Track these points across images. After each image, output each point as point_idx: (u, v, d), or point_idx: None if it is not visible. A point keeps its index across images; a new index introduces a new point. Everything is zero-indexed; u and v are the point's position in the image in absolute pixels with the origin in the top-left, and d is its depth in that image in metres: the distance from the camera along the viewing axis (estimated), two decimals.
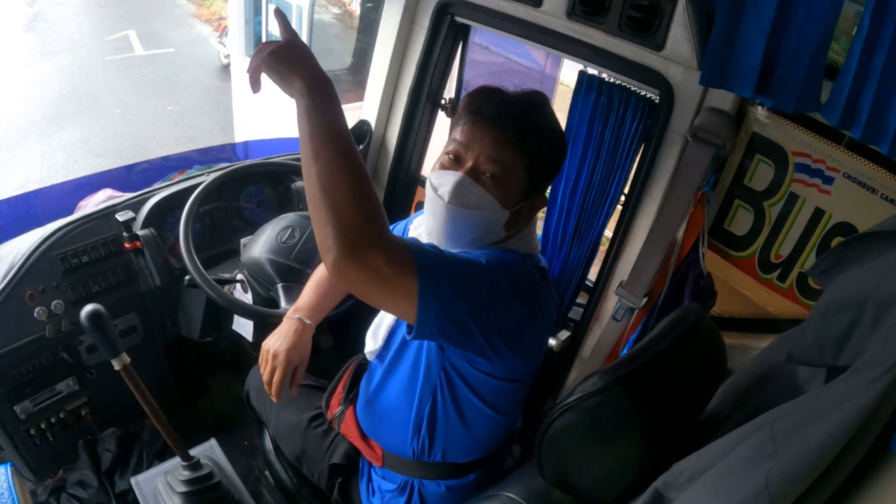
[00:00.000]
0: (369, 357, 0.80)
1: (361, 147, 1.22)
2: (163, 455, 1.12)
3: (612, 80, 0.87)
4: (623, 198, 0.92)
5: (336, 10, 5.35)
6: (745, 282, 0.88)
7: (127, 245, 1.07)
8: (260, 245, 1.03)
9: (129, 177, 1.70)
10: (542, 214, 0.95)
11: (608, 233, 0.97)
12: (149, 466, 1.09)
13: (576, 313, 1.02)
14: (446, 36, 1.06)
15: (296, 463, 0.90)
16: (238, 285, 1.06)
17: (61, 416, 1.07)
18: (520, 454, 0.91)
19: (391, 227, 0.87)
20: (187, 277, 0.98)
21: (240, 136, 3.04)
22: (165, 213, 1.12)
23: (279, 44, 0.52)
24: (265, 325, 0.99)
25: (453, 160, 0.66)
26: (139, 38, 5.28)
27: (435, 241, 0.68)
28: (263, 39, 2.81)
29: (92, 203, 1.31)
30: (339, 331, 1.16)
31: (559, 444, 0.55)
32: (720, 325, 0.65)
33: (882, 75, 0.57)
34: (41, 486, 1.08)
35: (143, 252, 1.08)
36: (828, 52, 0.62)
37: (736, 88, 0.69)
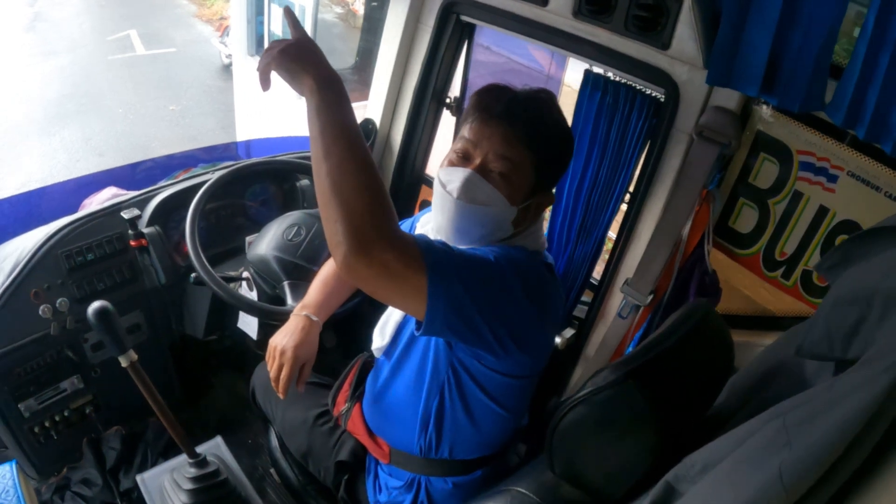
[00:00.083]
0: (376, 354, 0.80)
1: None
2: (167, 453, 1.12)
3: (617, 78, 0.87)
4: (628, 196, 0.92)
5: (339, 10, 5.37)
6: (745, 280, 0.89)
7: (132, 243, 1.07)
8: (266, 243, 1.03)
9: (133, 175, 1.70)
10: (546, 213, 0.96)
11: (612, 234, 0.98)
12: (153, 465, 1.09)
13: (580, 311, 1.03)
14: (451, 35, 1.07)
15: (302, 460, 0.90)
16: (244, 283, 1.06)
17: (66, 414, 1.07)
18: (525, 452, 0.91)
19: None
20: (193, 275, 0.98)
21: (242, 136, 3.05)
22: (170, 211, 1.12)
23: (289, 42, 0.53)
24: (270, 324, 0.99)
25: (462, 157, 0.66)
26: (140, 37, 5.29)
27: (443, 238, 0.69)
28: (265, 39, 2.82)
29: (96, 201, 1.31)
30: (344, 329, 1.16)
31: (570, 438, 0.55)
32: (725, 323, 0.66)
33: (886, 75, 0.58)
34: (45, 485, 1.08)
35: (148, 250, 1.08)
36: (832, 51, 0.63)
37: (741, 87, 0.69)
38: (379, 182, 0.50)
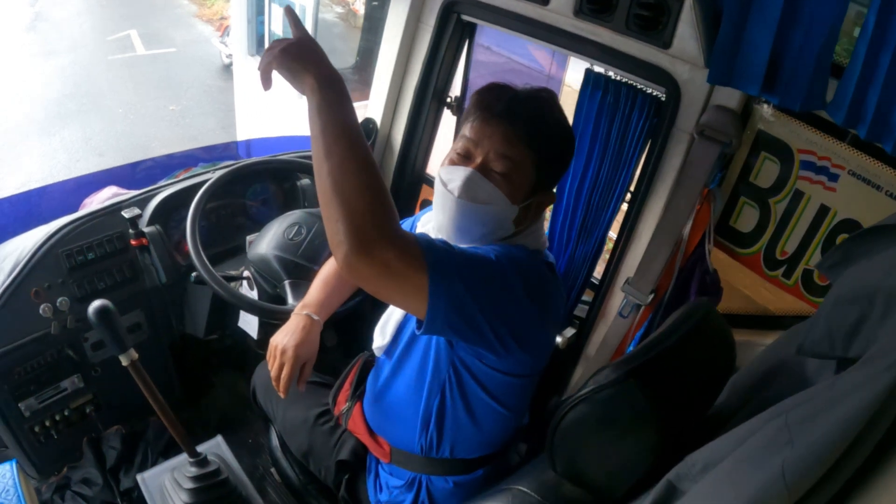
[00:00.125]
0: (377, 353, 0.80)
1: None
2: (167, 452, 1.12)
3: (618, 77, 0.87)
4: (629, 195, 0.92)
5: (339, 10, 5.37)
6: (745, 279, 0.89)
7: (133, 242, 1.07)
8: (266, 242, 1.03)
9: (134, 174, 1.70)
10: (548, 212, 0.96)
11: (612, 233, 0.98)
12: (154, 464, 1.09)
13: (581, 310, 1.03)
14: (452, 34, 1.07)
15: (302, 460, 0.90)
16: (244, 282, 1.06)
17: (66, 413, 1.07)
18: (526, 451, 0.91)
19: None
20: (194, 274, 0.98)
21: (242, 136, 3.05)
22: (171, 210, 1.12)
23: (290, 41, 0.53)
24: (270, 323, 0.99)
25: (463, 156, 0.66)
26: (141, 37, 5.29)
27: (444, 236, 0.69)
28: (266, 39, 2.82)
29: (97, 200, 1.31)
30: (345, 328, 1.16)
31: (572, 437, 0.55)
32: (726, 322, 0.66)
33: (887, 75, 0.58)
34: (46, 484, 1.08)
35: (148, 249, 1.08)
36: (833, 51, 0.63)
37: (743, 86, 0.69)
38: (380, 181, 0.50)
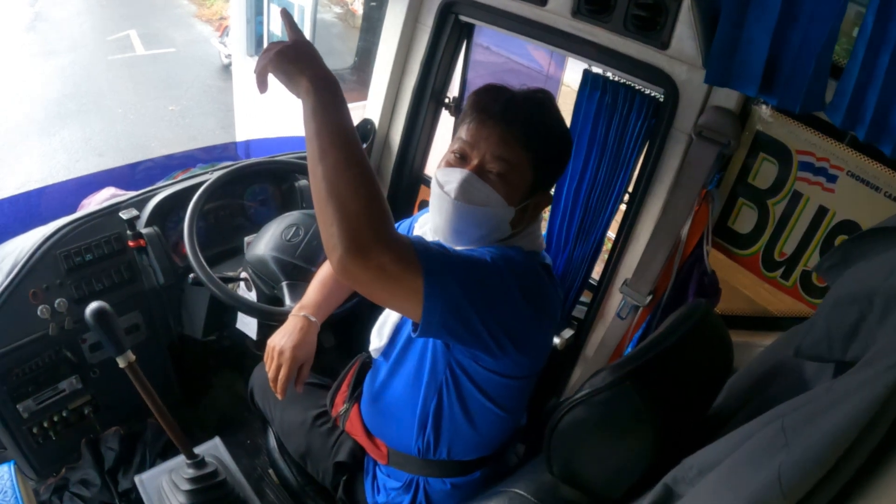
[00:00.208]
0: (374, 354, 0.80)
1: (364, 146, 1.21)
2: (166, 454, 1.12)
3: (616, 78, 0.87)
4: (627, 196, 0.92)
5: (338, 10, 5.37)
6: (745, 280, 0.88)
7: (130, 243, 1.07)
8: (264, 243, 1.03)
9: (132, 175, 1.70)
10: (545, 213, 0.95)
11: (611, 234, 0.98)
12: (152, 465, 1.09)
13: (580, 312, 1.03)
14: (450, 35, 1.07)
15: (300, 461, 0.90)
16: (242, 283, 1.06)
17: (64, 414, 1.07)
18: (524, 452, 0.91)
19: (396, 226, 0.87)
20: (192, 275, 0.98)
21: (241, 136, 3.05)
22: (169, 211, 1.12)
23: (286, 44, 0.53)
24: (269, 324, 0.99)
25: (459, 158, 0.66)
26: (140, 37, 5.29)
27: (441, 238, 0.69)
28: (265, 39, 2.82)
29: (95, 201, 1.31)
30: (342, 329, 1.16)
31: (569, 439, 0.55)
32: (725, 323, 0.66)
33: (886, 76, 0.57)
34: (44, 485, 1.08)
35: (146, 250, 1.08)
36: (833, 51, 0.63)
37: (740, 87, 0.69)
38: (375, 184, 0.50)
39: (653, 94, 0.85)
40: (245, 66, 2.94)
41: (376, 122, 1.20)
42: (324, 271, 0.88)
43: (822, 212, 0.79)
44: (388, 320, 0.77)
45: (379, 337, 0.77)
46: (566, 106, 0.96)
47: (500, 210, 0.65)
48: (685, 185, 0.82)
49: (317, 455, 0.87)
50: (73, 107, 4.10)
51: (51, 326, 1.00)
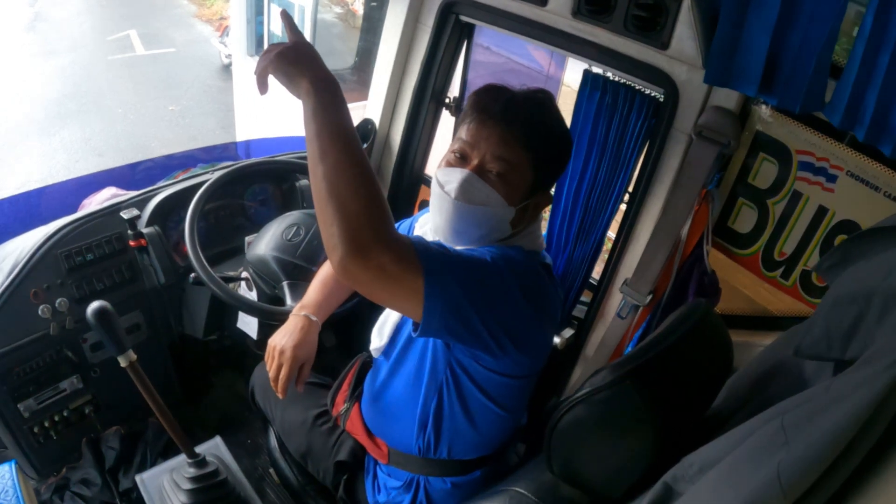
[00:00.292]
0: (374, 354, 0.80)
1: (365, 146, 1.22)
2: (166, 453, 1.12)
3: (616, 78, 0.87)
4: (627, 196, 0.92)
5: (339, 10, 5.37)
6: (745, 279, 0.89)
7: (131, 243, 1.07)
8: (265, 243, 1.03)
9: (133, 175, 1.70)
10: (546, 213, 0.95)
11: (611, 232, 0.98)
12: (152, 465, 1.09)
13: (580, 311, 1.03)
14: (451, 35, 1.07)
15: (301, 460, 0.90)
16: (243, 283, 1.06)
17: (65, 414, 1.07)
18: (524, 452, 0.91)
19: (397, 226, 0.88)
20: (192, 275, 0.98)
21: (241, 136, 3.05)
22: (170, 211, 1.12)
23: (286, 45, 0.53)
24: (269, 324, 0.99)
25: (459, 158, 0.66)
26: (140, 37, 5.29)
27: (441, 238, 0.69)
28: (265, 39, 2.82)
29: (96, 201, 1.31)
30: (343, 329, 1.16)
31: (569, 438, 0.55)
32: (725, 323, 0.66)
33: (886, 77, 0.58)
34: (45, 485, 1.08)
35: (147, 250, 1.08)
36: (832, 51, 0.63)
37: (740, 87, 0.69)
38: (375, 184, 0.50)
39: (653, 95, 0.85)
40: (245, 66, 2.94)
41: (377, 122, 1.21)
42: (324, 271, 0.89)
43: (821, 211, 0.79)
44: (388, 320, 0.77)
45: (379, 336, 0.78)
46: (566, 106, 0.97)
47: (500, 210, 0.65)
48: (685, 185, 0.82)
49: (317, 454, 0.87)
50: (73, 107, 4.10)
51: (52, 326, 1.00)
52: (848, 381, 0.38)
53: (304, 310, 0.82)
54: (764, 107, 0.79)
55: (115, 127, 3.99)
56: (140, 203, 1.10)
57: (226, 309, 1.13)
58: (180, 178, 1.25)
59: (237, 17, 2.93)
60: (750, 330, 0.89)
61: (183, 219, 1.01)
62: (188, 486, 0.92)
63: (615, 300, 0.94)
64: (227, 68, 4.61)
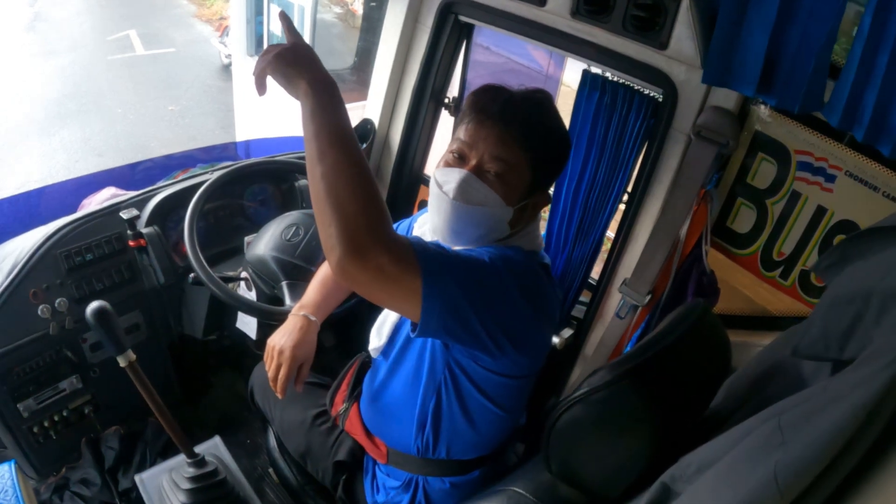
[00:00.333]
0: (373, 354, 0.80)
1: (364, 146, 1.22)
2: (166, 453, 1.12)
3: (615, 78, 0.87)
4: (626, 196, 0.92)
5: (338, 10, 5.37)
6: (744, 280, 0.89)
7: (131, 243, 1.07)
8: (264, 243, 1.03)
9: (132, 175, 1.70)
10: (545, 213, 0.96)
11: (610, 232, 0.98)
12: (152, 464, 1.09)
13: (579, 311, 1.03)
14: (450, 35, 1.07)
15: (300, 460, 0.90)
16: (242, 283, 1.06)
17: (64, 414, 1.07)
18: (523, 452, 0.92)
19: (395, 226, 0.88)
20: (192, 275, 0.99)
21: (241, 136, 3.05)
22: (169, 211, 1.12)
23: (284, 47, 0.53)
24: (269, 324, 0.99)
25: (458, 158, 0.66)
26: (140, 37, 5.29)
27: (439, 238, 0.69)
28: (265, 39, 2.82)
29: (95, 201, 1.32)
30: (342, 329, 1.16)
31: (567, 438, 0.55)
32: (723, 323, 0.66)
33: (885, 77, 0.57)
34: (44, 484, 1.08)
35: (147, 250, 1.08)
36: (831, 51, 0.63)
37: (738, 87, 0.69)
38: (373, 185, 0.50)
39: (652, 95, 0.85)
40: (245, 66, 2.94)
41: (376, 122, 1.21)
42: (323, 271, 0.89)
43: (820, 211, 0.79)
44: (387, 320, 0.77)
45: (378, 336, 0.78)
46: (566, 106, 0.97)
47: (498, 210, 0.65)
48: (684, 185, 0.82)
49: (316, 454, 0.87)
50: (73, 107, 4.10)
51: (51, 326, 1.00)
52: (845, 381, 0.38)
53: (303, 310, 0.82)
54: (763, 107, 0.79)
55: (115, 127, 3.99)
56: (139, 203, 1.11)
57: (225, 309, 1.13)
58: (180, 178, 1.25)
59: (237, 17, 2.93)
60: (749, 330, 0.89)
61: (182, 219, 1.01)
62: (187, 485, 0.92)
63: (614, 300, 0.94)
64: (226, 68, 4.61)
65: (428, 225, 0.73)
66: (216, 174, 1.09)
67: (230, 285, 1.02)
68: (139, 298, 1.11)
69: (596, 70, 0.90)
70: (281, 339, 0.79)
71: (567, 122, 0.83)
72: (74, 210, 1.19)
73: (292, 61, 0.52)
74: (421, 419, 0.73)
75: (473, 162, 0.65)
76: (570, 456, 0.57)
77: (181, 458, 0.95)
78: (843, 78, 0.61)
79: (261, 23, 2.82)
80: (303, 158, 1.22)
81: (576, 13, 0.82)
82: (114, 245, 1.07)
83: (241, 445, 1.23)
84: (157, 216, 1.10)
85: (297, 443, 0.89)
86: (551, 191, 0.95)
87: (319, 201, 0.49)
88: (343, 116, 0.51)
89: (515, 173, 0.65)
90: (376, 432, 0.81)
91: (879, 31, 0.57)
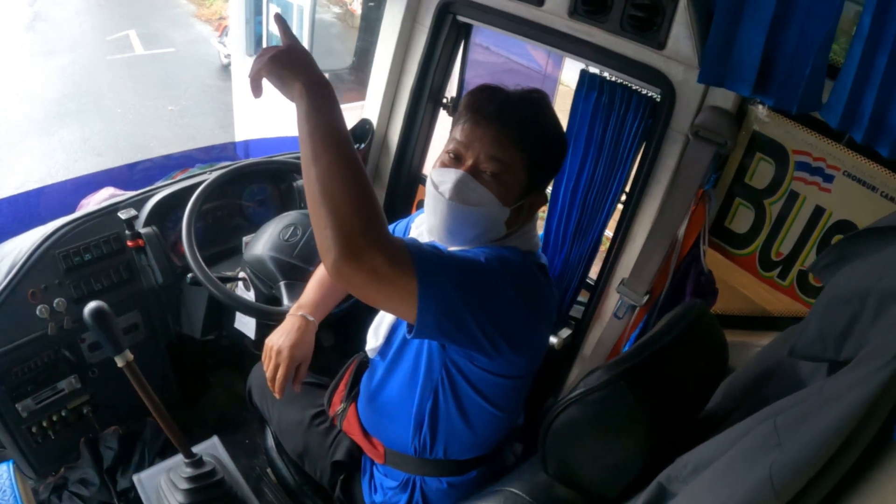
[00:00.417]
0: (370, 354, 0.80)
1: (363, 146, 1.22)
2: (164, 453, 1.12)
3: (613, 78, 0.87)
4: (624, 196, 0.92)
5: (337, 10, 5.36)
6: (745, 280, 0.88)
7: (129, 243, 1.07)
8: (262, 243, 1.03)
9: (131, 175, 1.70)
10: (543, 213, 0.95)
11: (609, 232, 0.98)
12: (150, 464, 1.09)
13: (577, 311, 1.03)
14: (448, 35, 1.07)
15: (298, 460, 0.90)
16: (240, 283, 1.06)
17: (63, 414, 1.07)
18: (521, 451, 0.92)
19: (393, 226, 0.88)
20: (190, 275, 0.99)
21: (240, 136, 3.05)
22: (167, 211, 1.12)
23: (279, 49, 0.53)
24: (267, 324, 0.99)
25: (454, 158, 0.66)
26: (140, 37, 5.29)
27: (436, 239, 0.69)
28: (264, 39, 2.82)
29: (94, 201, 1.32)
30: (340, 329, 1.16)
31: (563, 439, 0.55)
32: (721, 323, 0.66)
33: (884, 77, 0.57)
34: (43, 484, 1.08)
35: (145, 250, 1.08)
36: (829, 51, 0.63)
37: (734, 87, 0.69)
38: (368, 187, 0.50)
39: (650, 95, 0.85)
40: (244, 66, 2.94)
41: (374, 121, 1.20)
42: (321, 271, 0.89)
43: (818, 212, 0.79)
44: (384, 320, 0.77)
45: (375, 337, 0.78)
46: (564, 105, 0.97)
47: (494, 210, 0.65)
48: (682, 185, 0.82)
49: (314, 454, 0.87)
50: (73, 107, 4.10)
51: (50, 326, 1.00)
52: (842, 382, 0.38)
53: (300, 310, 0.82)
54: (761, 107, 0.78)
55: (115, 127, 3.99)
56: (138, 203, 1.11)
57: (224, 309, 1.13)
58: (178, 178, 1.25)
59: (236, 16, 2.93)
60: (747, 330, 0.89)
61: (181, 219, 1.01)
62: (185, 485, 0.92)
63: (612, 300, 0.94)
64: (226, 68, 4.61)
65: (425, 225, 0.73)
66: (214, 174, 1.09)
67: (228, 285, 1.02)
68: (137, 298, 1.11)
69: (594, 70, 0.90)
70: (279, 339, 0.79)
71: (565, 121, 0.83)
72: (73, 210, 1.19)
73: (287, 63, 0.52)
74: (418, 419, 0.73)
75: (469, 162, 0.65)
76: (567, 456, 0.57)
77: (179, 458, 0.95)
78: (841, 78, 0.60)
79: (260, 23, 2.81)
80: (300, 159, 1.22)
81: (573, 13, 0.82)
82: (112, 245, 1.07)
83: (240, 445, 1.23)
84: (155, 216, 1.10)
85: (294, 443, 0.89)
86: (549, 190, 0.96)
87: (314, 203, 0.49)
88: (338, 118, 0.51)
89: (511, 173, 0.65)
90: (374, 432, 0.81)
91: (879, 31, 0.56)
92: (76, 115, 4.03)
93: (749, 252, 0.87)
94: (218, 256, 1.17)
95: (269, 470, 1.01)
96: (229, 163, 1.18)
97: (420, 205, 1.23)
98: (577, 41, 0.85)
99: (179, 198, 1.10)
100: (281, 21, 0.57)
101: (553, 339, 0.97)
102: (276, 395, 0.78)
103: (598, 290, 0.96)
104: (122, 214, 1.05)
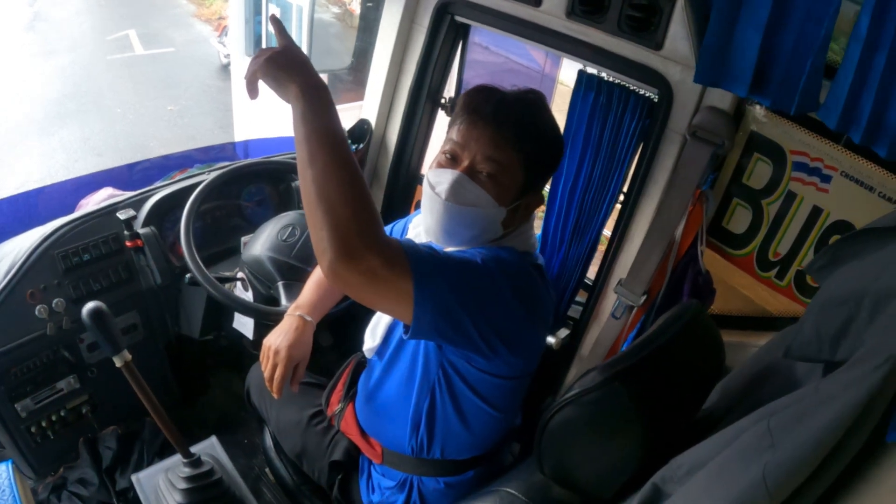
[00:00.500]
0: (368, 354, 0.80)
1: (361, 146, 1.22)
2: (163, 453, 1.13)
3: (611, 79, 0.87)
4: (622, 196, 0.92)
5: (336, 10, 5.36)
6: (742, 280, 0.88)
7: (128, 243, 1.08)
8: (260, 243, 1.03)
9: (130, 175, 1.70)
10: (541, 213, 0.95)
11: (607, 232, 0.98)
12: (149, 464, 1.10)
13: (575, 311, 1.03)
14: (446, 35, 1.07)
15: (296, 460, 0.90)
16: (239, 283, 1.06)
17: (62, 414, 1.08)
18: (519, 451, 0.92)
19: (391, 226, 0.88)
20: (188, 275, 0.99)
21: (240, 136, 3.05)
22: (166, 211, 1.12)
23: (275, 50, 0.53)
24: (266, 324, 0.99)
25: (450, 159, 0.66)
26: (139, 37, 5.30)
27: (433, 239, 0.69)
28: (263, 39, 2.82)
29: (93, 202, 1.31)
30: (338, 329, 1.16)
31: (559, 439, 0.55)
32: (719, 323, 0.66)
33: (882, 78, 0.57)
34: (42, 484, 1.08)
35: (143, 250, 1.08)
36: (827, 52, 0.62)
37: (731, 87, 0.69)
38: (364, 188, 0.50)
39: (647, 95, 0.85)
40: (243, 66, 2.93)
41: (373, 122, 1.21)
42: (319, 271, 0.89)
43: (816, 212, 0.79)
44: (381, 321, 0.77)
45: (372, 337, 0.78)
46: (563, 104, 0.97)
47: (491, 211, 0.65)
48: (679, 186, 0.82)
49: (312, 454, 0.87)
50: (73, 107, 4.11)
51: (48, 326, 1.00)
52: (835, 383, 0.38)
53: (298, 310, 0.82)
54: (758, 107, 0.78)
55: (115, 127, 3.99)
56: (136, 203, 1.11)
57: (222, 309, 1.13)
58: (177, 178, 1.25)
59: (236, 16, 2.93)
60: (745, 330, 0.89)
61: (179, 219, 1.01)
62: (183, 485, 0.93)
63: (610, 300, 0.94)
64: (225, 68, 4.61)
65: (422, 226, 0.73)
66: (213, 175, 1.09)
67: (227, 286, 1.02)
68: (136, 299, 1.11)
69: (591, 70, 0.90)
70: (277, 340, 0.79)
71: (563, 121, 0.83)
72: (72, 210, 1.19)
73: (283, 65, 0.52)
74: (415, 419, 0.74)
75: (466, 163, 0.65)
76: (563, 457, 0.57)
77: (178, 458, 0.95)
78: (839, 79, 0.60)
79: (259, 23, 2.81)
80: None
81: (571, 13, 0.82)
82: (111, 245, 1.07)
83: (238, 445, 1.23)
84: (153, 216, 1.10)
85: (293, 443, 0.89)
86: (547, 191, 0.96)
87: (310, 204, 0.49)
88: (334, 120, 0.51)
89: (508, 174, 0.65)
90: (371, 432, 0.81)
91: (877, 32, 0.56)
92: (76, 115, 4.03)
93: (747, 252, 0.87)
94: (216, 257, 1.17)
95: (267, 470, 1.01)
96: (228, 163, 1.18)
97: (419, 205, 1.23)
98: (574, 41, 0.85)
99: (178, 198, 1.10)
100: (277, 22, 0.57)
101: (551, 340, 0.97)
102: (274, 395, 0.78)
103: (596, 291, 0.96)
104: (121, 215, 1.05)
